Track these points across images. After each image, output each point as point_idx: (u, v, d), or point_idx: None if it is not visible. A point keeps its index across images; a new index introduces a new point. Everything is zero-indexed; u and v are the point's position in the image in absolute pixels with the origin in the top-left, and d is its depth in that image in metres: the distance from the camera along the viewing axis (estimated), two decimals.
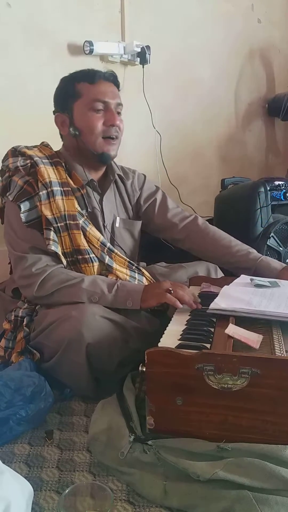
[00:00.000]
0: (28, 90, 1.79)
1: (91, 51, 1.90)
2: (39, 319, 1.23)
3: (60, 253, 1.23)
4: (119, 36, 2.08)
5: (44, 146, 1.37)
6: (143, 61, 2.07)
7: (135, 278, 1.34)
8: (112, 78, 1.34)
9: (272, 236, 1.83)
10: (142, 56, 2.05)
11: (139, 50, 2.03)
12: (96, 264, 1.28)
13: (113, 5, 2.05)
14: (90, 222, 1.31)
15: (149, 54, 2.06)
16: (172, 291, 1.16)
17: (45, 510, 0.83)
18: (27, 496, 0.78)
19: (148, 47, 2.04)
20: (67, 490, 0.78)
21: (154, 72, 2.15)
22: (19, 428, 1.03)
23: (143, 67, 2.09)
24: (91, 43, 1.89)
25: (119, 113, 1.32)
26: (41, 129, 1.67)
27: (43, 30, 1.81)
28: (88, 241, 1.28)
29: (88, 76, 1.29)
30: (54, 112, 1.36)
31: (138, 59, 2.07)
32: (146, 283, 1.36)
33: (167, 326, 1.06)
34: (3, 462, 0.79)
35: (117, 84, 1.35)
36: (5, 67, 1.72)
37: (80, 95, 1.29)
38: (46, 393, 1.09)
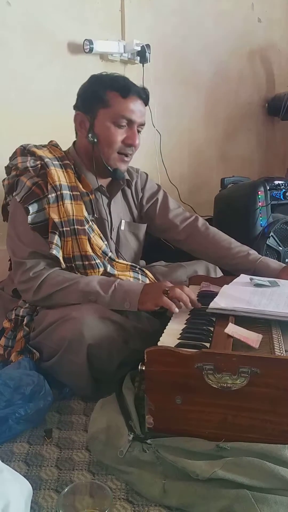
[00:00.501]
0: (28, 89, 1.79)
1: (91, 50, 1.89)
2: (39, 318, 1.23)
3: (60, 258, 1.22)
4: (119, 35, 2.07)
5: (53, 146, 1.35)
6: (143, 59, 2.06)
7: (138, 279, 1.34)
8: (145, 97, 1.30)
9: (271, 235, 1.83)
10: (142, 55, 2.05)
11: (139, 48, 2.03)
12: (102, 269, 1.27)
13: (113, 4, 2.04)
14: (94, 229, 1.29)
15: (149, 53, 2.06)
16: (169, 292, 1.13)
17: (44, 509, 0.83)
18: (26, 495, 0.79)
19: (148, 45, 2.04)
20: (66, 489, 0.78)
21: (154, 71, 2.15)
22: (18, 427, 1.03)
23: (143, 66, 2.08)
24: (91, 42, 1.88)
25: (139, 132, 1.31)
26: (42, 128, 1.67)
27: (43, 29, 1.80)
28: (92, 248, 1.27)
29: (123, 89, 1.25)
30: (74, 107, 1.32)
31: (138, 57, 2.06)
32: None
33: (167, 325, 1.06)
34: (2, 461, 0.80)
35: (146, 103, 1.32)
36: (5, 65, 1.72)
37: (108, 105, 1.24)
38: (45, 392, 1.09)
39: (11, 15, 1.71)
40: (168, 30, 2.27)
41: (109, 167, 1.29)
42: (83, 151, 1.32)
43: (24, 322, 1.25)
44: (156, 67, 2.16)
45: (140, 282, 1.33)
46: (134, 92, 1.26)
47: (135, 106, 1.26)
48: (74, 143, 1.38)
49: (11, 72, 1.74)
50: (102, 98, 1.25)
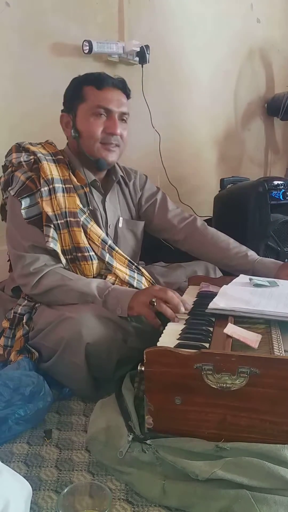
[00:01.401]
0: (27, 90, 1.79)
1: (90, 51, 1.89)
2: (37, 318, 1.23)
3: (59, 251, 1.23)
4: (118, 36, 2.08)
5: (48, 144, 1.38)
6: (142, 60, 2.06)
7: (134, 278, 1.34)
8: (121, 86, 1.32)
9: (271, 235, 1.83)
10: (141, 56, 2.05)
11: (138, 49, 2.03)
12: (95, 262, 1.28)
13: (112, 5, 2.04)
14: (91, 219, 1.31)
15: (148, 54, 2.06)
16: (155, 304, 1.10)
17: (44, 510, 0.83)
18: (26, 495, 0.78)
19: (147, 46, 2.04)
20: (66, 490, 0.78)
21: (153, 71, 2.15)
22: (18, 428, 1.03)
23: (142, 67, 2.08)
24: (90, 43, 1.88)
25: (124, 120, 1.32)
26: (41, 129, 1.67)
27: (42, 30, 1.80)
28: (89, 239, 1.28)
29: (97, 81, 1.29)
30: (62, 111, 1.37)
31: (137, 58, 2.07)
32: (146, 283, 1.36)
33: (166, 325, 1.06)
34: (2, 462, 0.80)
35: (126, 93, 1.34)
36: (4, 66, 1.72)
37: (85, 99, 1.29)
38: (45, 392, 1.09)
39: (10, 16, 1.71)
40: (167, 30, 2.27)
41: (91, 158, 1.31)
42: (73, 149, 1.35)
43: (24, 321, 1.26)
44: (155, 68, 2.16)
45: (136, 281, 1.33)
46: (109, 83, 1.29)
47: (111, 96, 1.29)
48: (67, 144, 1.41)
49: (10, 73, 1.74)
50: (79, 94, 1.30)
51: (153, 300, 1.11)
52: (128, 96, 1.35)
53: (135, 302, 1.15)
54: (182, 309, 1.10)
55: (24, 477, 0.83)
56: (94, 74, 1.32)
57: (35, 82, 1.80)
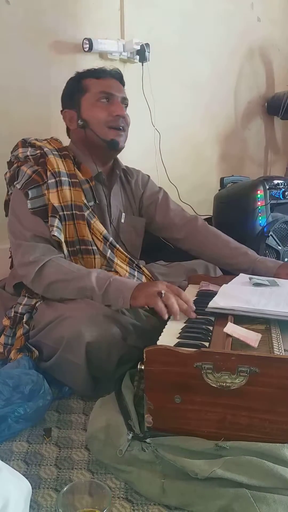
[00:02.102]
0: (27, 88, 1.79)
1: (90, 49, 1.89)
2: (38, 317, 1.23)
3: (62, 240, 1.24)
4: (118, 34, 2.07)
5: (54, 140, 1.39)
6: (143, 59, 2.06)
7: (134, 276, 1.34)
8: (118, 76, 1.39)
9: (271, 235, 1.83)
10: (142, 54, 2.05)
11: (138, 47, 2.03)
12: (97, 257, 1.29)
13: (112, 3, 2.04)
14: (95, 215, 1.32)
15: (149, 52, 2.05)
16: (163, 295, 1.08)
17: (43, 508, 0.83)
18: (25, 493, 0.78)
19: (147, 44, 2.04)
20: (65, 488, 0.78)
21: (154, 70, 2.15)
22: (17, 426, 1.03)
23: (142, 65, 2.08)
24: (90, 41, 1.88)
25: (125, 105, 1.37)
26: (40, 127, 1.67)
27: (42, 28, 1.80)
28: (92, 233, 1.29)
29: (95, 73, 1.36)
30: (61, 111, 1.40)
31: (138, 56, 2.06)
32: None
33: (166, 324, 1.06)
34: (2, 460, 0.80)
35: (122, 83, 1.39)
36: (4, 64, 1.72)
37: (87, 90, 1.33)
38: (45, 391, 1.08)
39: (10, 13, 1.71)
40: (168, 29, 2.26)
41: (103, 140, 1.33)
42: (79, 141, 1.37)
43: (24, 320, 1.25)
44: (155, 66, 2.16)
45: (135, 279, 1.33)
46: (107, 73, 1.37)
47: (111, 83, 1.35)
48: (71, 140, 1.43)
49: (10, 71, 1.74)
50: (79, 88, 1.34)
51: (163, 292, 1.08)
52: (124, 86, 1.41)
53: (141, 292, 1.11)
54: (193, 315, 1.07)
55: (24, 475, 0.82)
56: (90, 69, 1.38)
57: (35, 80, 1.80)
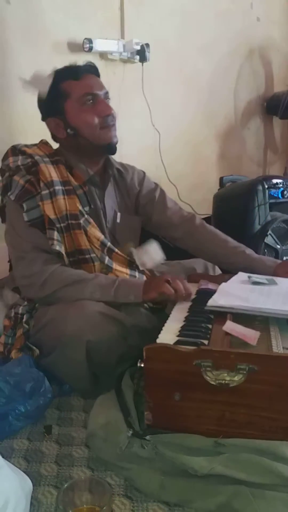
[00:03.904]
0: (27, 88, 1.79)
1: (90, 49, 1.90)
2: (38, 316, 1.23)
3: (63, 253, 1.23)
4: (119, 34, 2.08)
5: (43, 144, 1.36)
6: (143, 58, 2.07)
7: (135, 276, 1.34)
8: (93, 70, 1.34)
9: (269, 234, 1.84)
10: (142, 54, 2.05)
11: (138, 47, 2.03)
12: (97, 264, 1.28)
13: (113, 3, 2.04)
14: (90, 221, 1.30)
15: (149, 52, 2.06)
16: (171, 282, 1.18)
17: (44, 505, 0.84)
18: (26, 490, 0.79)
19: (147, 44, 2.04)
20: (66, 485, 0.79)
21: (154, 70, 2.15)
22: (18, 424, 1.03)
23: (142, 65, 2.09)
24: (90, 41, 1.89)
25: (108, 99, 1.33)
26: (41, 128, 1.67)
27: (43, 28, 1.80)
28: (90, 241, 1.28)
29: (71, 73, 1.29)
30: (43, 119, 1.34)
31: (138, 56, 2.07)
32: None
33: (165, 322, 1.06)
34: (3, 457, 0.80)
35: (98, 74, 1.35)
36: (4, 65, 1.72)
37: (68, 94, 1.27)
38: (45, 389, 1.09)
39: (11, 14, 1.71)
40: (168, 29, 2.27)
41: (100, 145, 1.30)
42: (69, 147, 1.34)
43: (24, 320, 1.26)
44: (155, 66, 2.16)
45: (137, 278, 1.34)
46: (83, 70, 1.30)
47: (91, 81, 1.30)
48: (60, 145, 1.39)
49: (10, 71, 1.74)
50: (60, 93, 1.28)
51: (168, 279, 1.19)
52: (99, 76, 1.36)
53: (150, 286, 1.20)
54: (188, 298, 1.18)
55: (24, 472, 0.83)
56: (65, 69, 1.31)
57: None
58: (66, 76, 1.29)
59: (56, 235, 1.22)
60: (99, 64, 1.99)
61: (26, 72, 1.77)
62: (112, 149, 1.33)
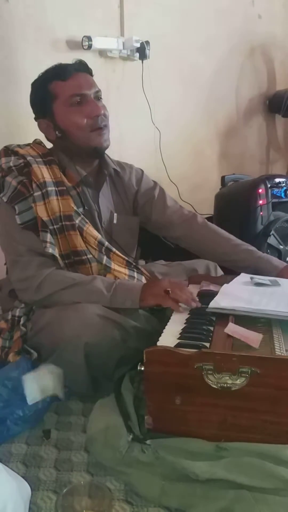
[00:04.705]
0: (26, 86, 1.77)
1: (89, 47, 1.88)
2: (36, 318, 1.22)
3: (57, 255, 1.22)
4: (118, 31, 2.06)
5: (37, 144, 1.34)
6: (143, 56, 2.05)
7: (134, 277, 1.33)
8: (83, 68, 1.30)
9: (272, 234, 1.82)
10: (142, 52, 2.04)
11: (138, 45, 2.02)
12: (94, 264, 1.26)
13: (112, 0, 2.03)
14: (87, 221, 1.29)
15: (149, 50, 2.05)
16: (170, 292, 1.13)
17: (43, 510, 0.83)
18: (25, 495, 0.78)
19: (147, 42, 2.03)
20: (65, 490, 0.78)
21: (154, 67, 2.14)
22: (16, 428, 1.02)
23: (142, 63, 2.07)
24: (89, 38, 1.87)
25: (100, 98, 1.29)
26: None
27: (42, 25, 1.79)
28: (85, 241, 1.26)
29: (59, 74, 1.25)
30: (35, 119, 1.32)
31: (138, 54, 2.05)
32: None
33: (166, 325, 1.05)
34: (1, 462, 0.80)
35: (89, 72, 1.31)
36: (3, 62, 1.71)
37: (56, 95, 1.24)
38: None
39: (10, 11, 1.70)
40: (168, 26, 2.25)
41: (87, 149, 1.28)
42: (60, 148, 1.32)
43: (21, 322, 1.24)
44: (155, 64, 2.15)
45: (135, 280, 1.32)
46: (71, 70, 1.26)
47: (79, 80, 1.26)
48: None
49: (9, 69, 1.73)
50: (47, 94, 1.25)
51: (169, 290, 1.14)
52: (91, 74, 1.32)
53: (148, 293, 1.16)
54: (194, 304, 1.12)
55: (23, 477, 0.83)
56: (53, 69, 1.28)
57: (34, 78, 1.79)
58: (53, 77, 1.25)
59: (49, 237, 1.20)
60: (99, 62, 1.98)
61: (24, 70, 1.77)
62: (98, 153, 1.30)
